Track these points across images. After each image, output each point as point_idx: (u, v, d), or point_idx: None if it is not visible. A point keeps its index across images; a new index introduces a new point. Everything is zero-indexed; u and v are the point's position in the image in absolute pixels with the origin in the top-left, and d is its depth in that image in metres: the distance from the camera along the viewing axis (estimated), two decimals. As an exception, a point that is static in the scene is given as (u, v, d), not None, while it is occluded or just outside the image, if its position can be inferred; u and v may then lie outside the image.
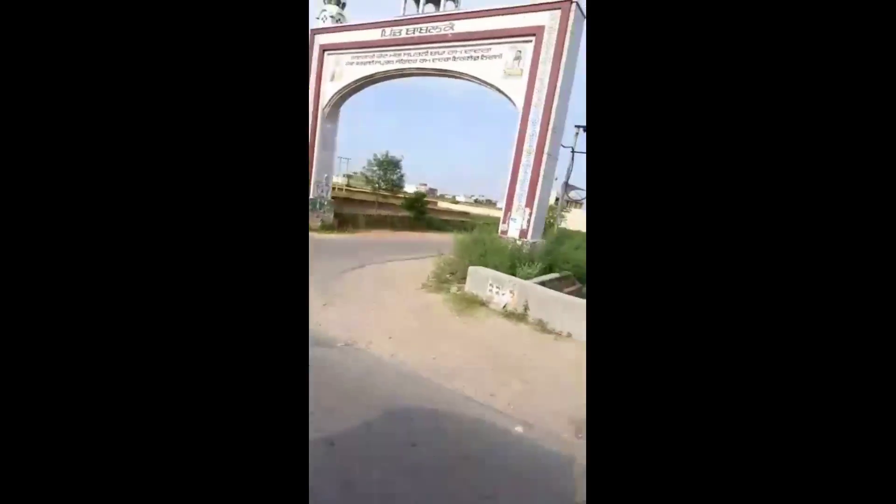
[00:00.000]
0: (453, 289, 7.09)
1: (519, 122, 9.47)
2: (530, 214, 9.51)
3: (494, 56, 9.92)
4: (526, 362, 4.35)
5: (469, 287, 6.71)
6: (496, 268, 6.86)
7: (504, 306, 6.14)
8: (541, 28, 9.10)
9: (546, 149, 9.19)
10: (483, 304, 6.31)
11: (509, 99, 9.77)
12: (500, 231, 9.72)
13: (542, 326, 5.57)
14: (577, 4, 8.68)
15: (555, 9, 9.00)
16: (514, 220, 9.68)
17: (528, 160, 9.39)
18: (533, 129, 9.25)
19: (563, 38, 8.83)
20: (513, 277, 6.45)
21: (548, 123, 9.06)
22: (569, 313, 5.41)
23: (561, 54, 8.84)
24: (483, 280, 6.53)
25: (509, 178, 9.74)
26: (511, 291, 6.17)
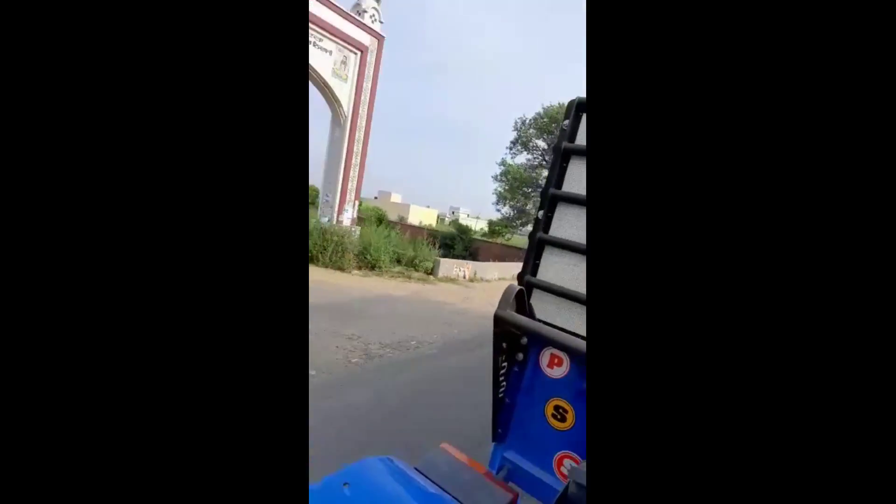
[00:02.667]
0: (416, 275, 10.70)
1: (348, 131, 10.92)
2: (357, 206, 11.89)
3: (326, 50, 9.94)
4: (470, 293, 11.50)
5: (442, 272, 10.98)
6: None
7: (465, 276, 11.58)
8: (367, 47, 10.76)
9: (366, 155, 11.73)
10: (452, 279, 11.20)
11: (337, 99, 10.53)
12: (336, 221, 11.25)
13: (479, 279, 11.99)
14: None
15: (376, 36, 10.95)
16: (347, 210, 11.55)
17: (355, 162, 11.38)
18: (359, 136, 11.28)
19: (379, 65, 11.28)
20: (468, 262, 11.71)
21: (367, 138, 11.53)
22: (489, 270, 12.29)
23: (377, 76, 11.31)
24: (450, 266, 11.18)
25: (342, 175, 11.12)
26: (466, 268, 11.65)
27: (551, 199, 1.52)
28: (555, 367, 1.48)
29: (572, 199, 1.49)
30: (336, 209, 11.31)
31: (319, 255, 9.67)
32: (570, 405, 1.47)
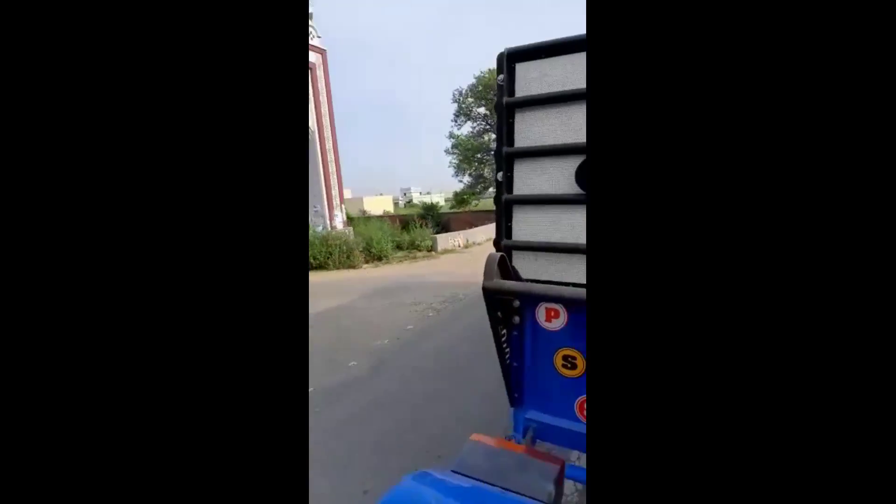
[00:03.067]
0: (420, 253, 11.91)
1: (318, 144, 11.74)
2: (343, 209, 12.78)
3: (281, 75, 10.61)
4: (471, 255, 13.01)
5: (441, 246, 12.22)
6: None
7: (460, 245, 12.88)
8: (313, 63, 11.48)
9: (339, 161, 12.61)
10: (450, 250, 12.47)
11: (301, 118, 11.30)
12: (330, 227, 12.15)
13: (471, 244, 13.31)
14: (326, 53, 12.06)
15: (318, 52, 11.65)
16: (337, 215, 12.44)
17: (332, 169, 12.24)
18: (328, 146, 12.11)
19: (328, 77, 12.03)
20: (459, 232, 12.98)
21: (336, 146, 12.37)
22: (476, 235, 13.61)
23: (329, 87, 12.08)
24: (445, 239, 12.43)
25: (324, 185, 11.98)
26: (459, 238, 12.93)
27: (507, 159, 1.50)
28: (553, 320, 1.48)
29: (528, 153, 1.48)
30: (327, 216, 12.20)
31: (328, 261, 10.56)
32: (577, 351, 1.48)
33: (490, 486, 0.97)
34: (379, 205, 36.22)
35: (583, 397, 1.49)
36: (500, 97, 1.45)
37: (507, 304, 1.47)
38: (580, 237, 1.42)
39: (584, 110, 1.30)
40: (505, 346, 1.50)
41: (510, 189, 1.52)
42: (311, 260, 10.58)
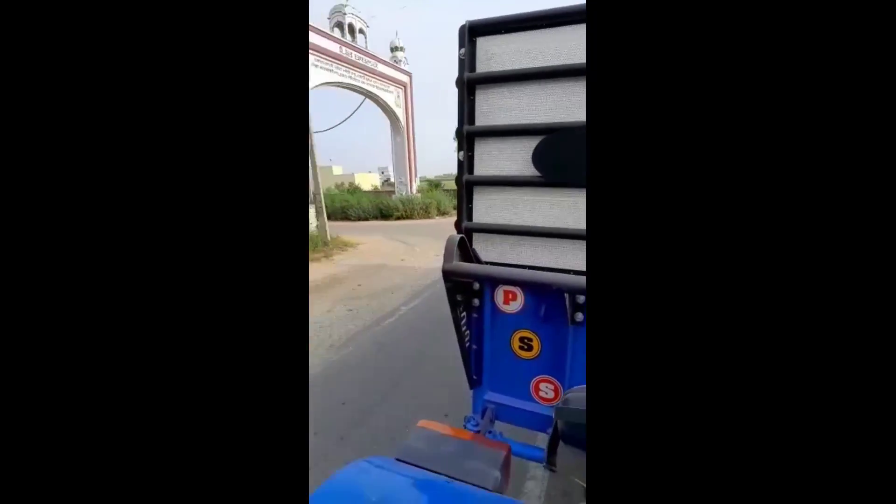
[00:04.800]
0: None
1: (407, 135, 17.57)
2: (417, 181, 18.65)
3: (390, 91, 16.46)
4: None
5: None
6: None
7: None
8: (406, 83, 17.31)
9: (417, 151, 18.48)
10: None
11: (397, 118, 17.11)
12: (411, 192, 18.01)
13: None
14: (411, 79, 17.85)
15: (407, 74, 17.48)
16: (414, 185, 18.31)
17: (412, 155, 18.06)
18: (410, 137, 17.93)
19: (412, 91, 17.88)
20: None
21: (413, 138, 18.21)
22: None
23: (413, 99, 17.90)
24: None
25: (407, 164, 17.82)
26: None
27: (467, 138, 1.46)
28: (510, 303, 1.50)
29: (488, 133, 1.44)
30: (409, 186, 18.05)
31: (414, 214, 16.52)
32: (533, 332, 1.51)
33: (434, 475, 0.94)
34: (367, 180, 36.05)
35: (538, 378, 1.55)
36: (460, 72, 1.40)
37: (466, 287, 1.49)
38: (538, 220, 1.44)
39: (546, 89, 1.33)
40: (465, 329, 1.51)
41: (471, 169, 1.49)
42: (403, 212, 16.49)
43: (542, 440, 1.58)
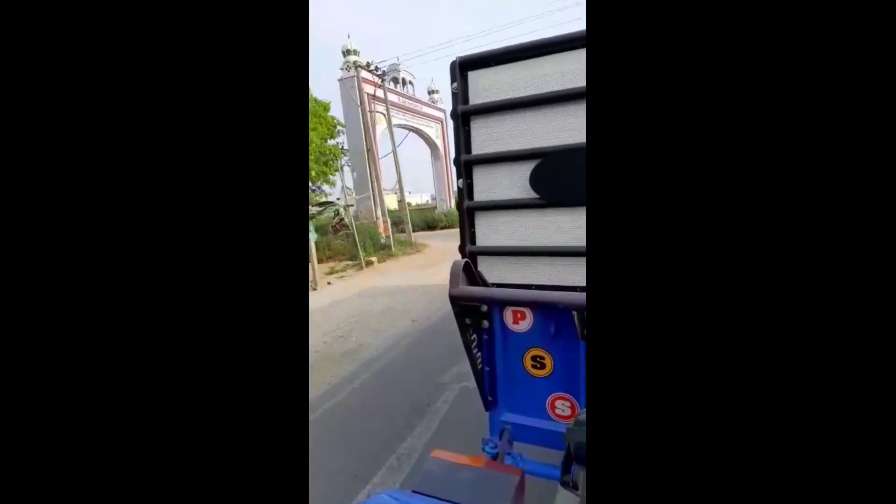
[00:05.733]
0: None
1: (444, 160, 21.61)
2: (450, 197, 22.68)
3: (431, 126, 20.60)
4: None
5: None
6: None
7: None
8: (442, 118, 21.44)
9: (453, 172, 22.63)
10: None
11: (437, 147, 21.22)
12: (448, 207, 21.95)
13: None
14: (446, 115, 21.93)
15: (442, 111, 21.59)
16: (450, 201, 22.28)
17: (450, 176, 22.09)
18: (448, 163, 21.97)
19: (447, 124, 21.96)
20: None
21: (448, 159, 22.27)
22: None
23: (447, 130, 21.98)
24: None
25: (446, 185, 21.84)
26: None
27: (465, 166, 1.52)
28: (520, 322, 1.51)
29: (486, 160, 1.50)
30: (448, 201, 22.01)
31: (454, 223, 20.41)
32: (545, 350, 1.51)
33: None
34: (390, 201, 39.36)
35: (554, 395, 1.55)
36: (454, 105, 1.48)
37: (475, 310, 1.50)
38: (540, 239, 1.48)
39: (536, 115, 1.40)
40: (476, 351, 1.53)
41: (471, 195, 1.54)
42: (446, 222, 20.37)
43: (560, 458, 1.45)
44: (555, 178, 1.39)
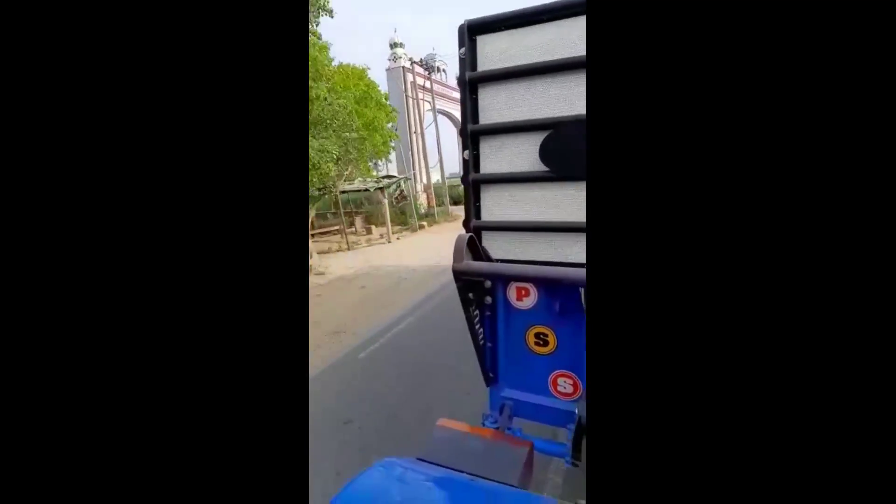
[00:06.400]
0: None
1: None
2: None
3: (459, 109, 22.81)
4: None
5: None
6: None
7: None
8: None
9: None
10: None
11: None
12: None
13: None
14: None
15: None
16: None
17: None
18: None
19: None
20: None
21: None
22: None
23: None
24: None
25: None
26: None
27: (472, 136, 1.45)
28: (524, 299, 1.50)
29: (493, 130, 1.43)
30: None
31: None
32: (549, 328, 1.50)
33: (457, 473, 0.95)
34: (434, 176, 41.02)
35: (556, 373, 1.54)
36: (462, 71, 1.41)
37: (478, 286, 1.48)
38: (548, 215, 1.43)
39: (549, 83, 1.33)
40: (478, 327, 1.51)
41: (477, 167, 1.48)
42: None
43: (562, 435, 1.59)
44: (566, 151, 1.33)
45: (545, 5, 1.28)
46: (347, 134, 7.74)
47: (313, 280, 7.25)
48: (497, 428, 1.54)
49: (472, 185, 1.50)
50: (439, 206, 16.96)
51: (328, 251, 10.22)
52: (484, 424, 1.59)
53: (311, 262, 7.92)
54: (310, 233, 8.85)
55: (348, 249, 10.35)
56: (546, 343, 1.54)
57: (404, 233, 12.91)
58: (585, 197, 1.24)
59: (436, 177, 18.70)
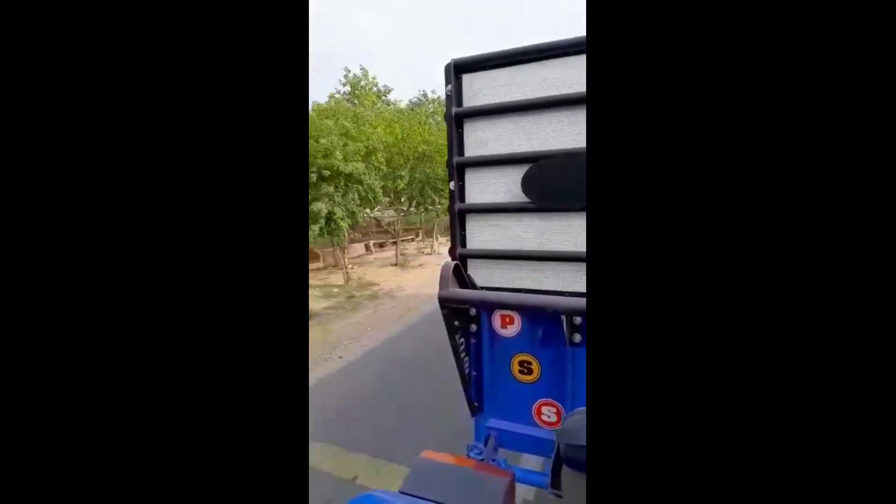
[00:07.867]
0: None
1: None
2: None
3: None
4: None
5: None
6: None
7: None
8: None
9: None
10: None
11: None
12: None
13: None
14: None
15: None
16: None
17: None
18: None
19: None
20: None
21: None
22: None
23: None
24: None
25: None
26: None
27: (458, 168, 1.51)
28: (508, 327, 1.51)
29: (478, 163, 1.49)
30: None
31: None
32: (532, 356, 1.51)
33: None
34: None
35: (540, 401, 1.55)
36: (448, 107, 1.48)
37: (463, 313, 1.50)
38: (530, 244, 1.48)
39: (530, 119, 1.41)
40: (463, 355, 1.53)
41: (462, 198, 1.54)
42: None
43: (545, 465, 1.56)
44: (546, 183, 1.39)
45: (527, 48, 1.39)
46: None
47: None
48: (482, 459, 1.56)
49: (458, 214, 1.57)
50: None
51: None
52: (469, 456, 1.61)
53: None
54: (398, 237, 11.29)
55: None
56: (530, 371, 1.56)
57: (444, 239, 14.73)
58: (563, 226, 1.39)
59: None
